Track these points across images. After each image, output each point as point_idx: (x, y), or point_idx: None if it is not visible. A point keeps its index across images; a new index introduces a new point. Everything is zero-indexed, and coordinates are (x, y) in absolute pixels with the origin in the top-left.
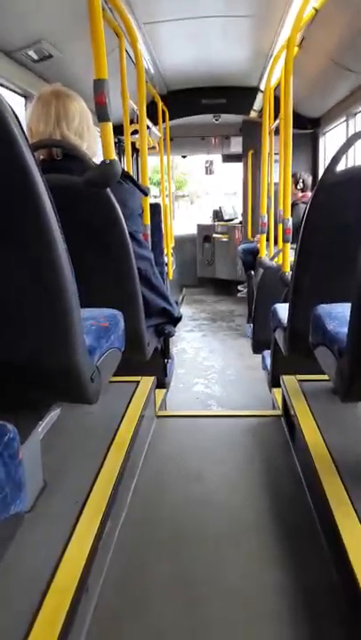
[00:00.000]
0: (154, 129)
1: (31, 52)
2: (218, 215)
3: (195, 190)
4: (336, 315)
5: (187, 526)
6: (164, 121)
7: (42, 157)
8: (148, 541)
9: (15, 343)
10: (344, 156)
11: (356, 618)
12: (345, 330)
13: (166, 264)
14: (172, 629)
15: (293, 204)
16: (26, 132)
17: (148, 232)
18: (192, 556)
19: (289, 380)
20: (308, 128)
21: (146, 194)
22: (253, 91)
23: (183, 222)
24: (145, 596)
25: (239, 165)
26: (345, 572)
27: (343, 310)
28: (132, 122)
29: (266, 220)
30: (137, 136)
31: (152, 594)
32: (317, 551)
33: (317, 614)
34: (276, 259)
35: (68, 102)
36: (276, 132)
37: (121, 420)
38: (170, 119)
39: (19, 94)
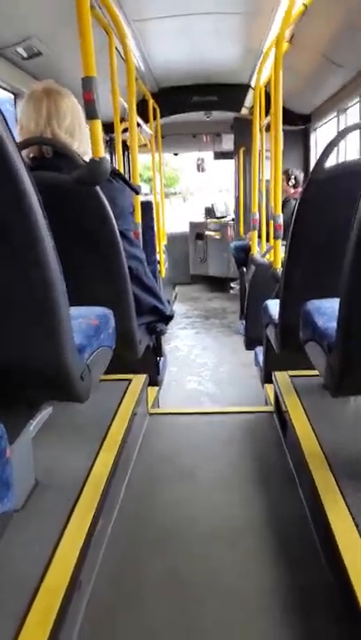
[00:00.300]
0: (145, 126)
1: (20, 50)
2: (210, 212)
3: (187, 187)
4: (325, 310)
5: (179, 523)
6: (155, 118)
7: (32, 155)
8: (140, 539)
9: (4, 342)
10: (335, 151)
11: (350, 614)
12: (334, 325)
13: (158, 262)
14: (165, 627)
15: (285, 201)
16: (17, 130)
17: (140, 230)
18: (185, 553)
19: (281, 376)
20: (299, 124)
21: (137, 192)
22: (244, 88)
23: (175, 221)
24: (138, 593)
25: (231, 162)
26: (337, 567)
27: (332, 306)
28: (122, 119)
29: (258, 216)
30: (128, 134)
31: (145, 591)
32: (309, 547)
33: (310, 611)
34: (267, 255)
35: (59, 100)
36: (268, 128)
37: (113, 418)
38: (161, 117)
39: (9, 92)
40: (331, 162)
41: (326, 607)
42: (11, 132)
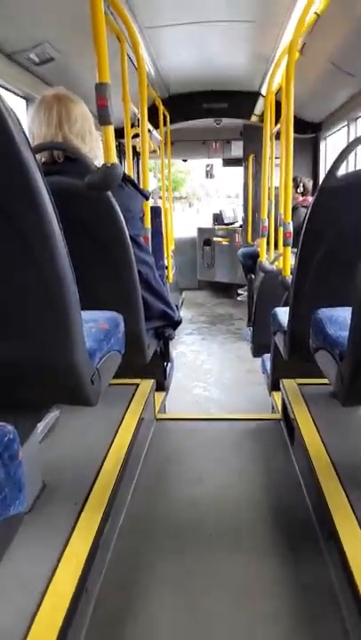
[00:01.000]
0: (155, 132)
1: (32, 55)
2: (218, 219)
3: (194, 191)
4: (337, 319)
5: (186, 528)
6: (165, 125)
7: (43, 160)
8: (147, 542)
9: (16, 345)
10: (345, 160)
11: (355, 618)
12: (346, 334)
13: (166, 267)
14: (171, 629)
15: (294, 208)
16: (27, 136)
17: (149, 235)
18: (191, 558)
19: (289, 384)
20: (308, 133)
21: (147, 197)
22: (255, 95)
23: (180, 229)
24: (144, 597)
25: (238, 169)
26: (344, 574)
27: (344, 314)
28: (133, 125)
29: (266, 223)
30: (138, 139)
31: (151, 595)
32: (316, 554)
33: (316, 616)
34: (276, 262)
35: (70, 105)
36: (277, 136)
37: (120, 423)
38: (171, 123)
39: (20, 97)
40: (341, 171)
41: (332, 611)
42: (25, 136)
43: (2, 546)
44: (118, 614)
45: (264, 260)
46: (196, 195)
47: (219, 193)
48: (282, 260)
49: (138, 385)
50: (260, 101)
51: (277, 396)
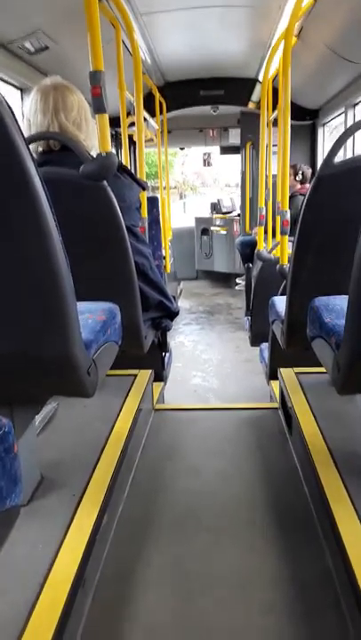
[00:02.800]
0: (151, 121)
1: (27, 44)
2: (216, 208)
3: (185, 180)
4: (333, 307)
5: (184, 519)
6: (161, 113)
7: (40, 149)
8: (145, 534)
9: (11, 336)
10: (343, 147)
11: (353, 608)
12: (342, 322)
13: (164, 257)
14: (169, 622)
15: (292, 196)
16: (24, 125)
17: (146, 225)
18: (190, 548)
19: (286, 373)
20: (306, 119)
21: (143, 187)
22: (252, 82)
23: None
24: (142, 588)
25: (238, 157)
26: (342, 562)
27: (340, 303)
28: (128, 114)
29: (264, 212)
30: (134, 128)
31: (150, 586)
32: (314, 543)
33: (314, 605)
34: (274, 251)
35: (66, 93)
36: (275, 123)
37: (118, 414)
38: (167, 111)
39: (15, 87)
40: (338, 157)
41: (330, 602)
42: (19, 127)
43: None
44: (116, 606)
45: (262, 248)
46: (188, 184)
47: (218, 182)
48: (280, 249)
49: (136, 376)
50: (258, 88)
51: (275, 385)
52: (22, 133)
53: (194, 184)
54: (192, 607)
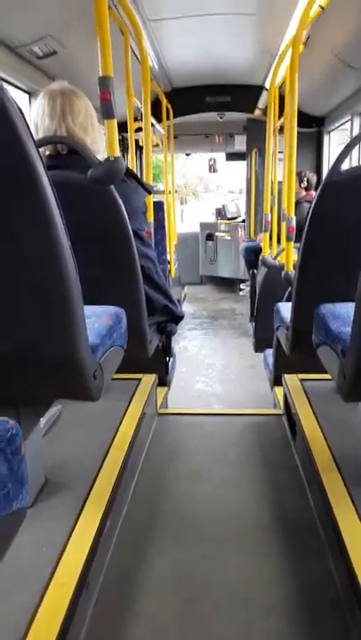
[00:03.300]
0: (158, 126)
1: (36, 48)
2: (221, 213)
3: (187, 184)
4: (340, 314)
5: (187, 523)
6: (167, 118)
7: (47, 153)
8: (148, 538)
9: (18, 339)
10: (349, 155)
11: (355, 613)
12: (348, 329)
13: (169, 262)
14: (171, 625)
15: (297, 203)
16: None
17: (152, 230)
18: (193, 552)
19: (291, 379)
20: (312, 127)
21: (149, 192)
22: (258, 89)
23: None
24: (145, 591)
25: (241, 164)
26: (344, 568)
27: (347, 310)
28: (135, 119)
29: (269, 218)
30: (141, 134)
31: (152, 589)
32: (317, 549)
33: (316, 610)
34: (279, 257)
35: (73, 98)
36: (281, 130)
37: (122, 418)
38: (174, 117)
39: (23, 90)
40: (344, 165)
41: (333, 608)
42: (29, 129)
43: (5, 540)
44: (119, 609)
45: (267, 254)
46: (189, 188)
47: (221, 188)
48: (285, 255)
49: (140, 380)
50: (264, 95)
51: (279, 392)
52: (32, 136)
53: (196, 189)
54: (194, 611)
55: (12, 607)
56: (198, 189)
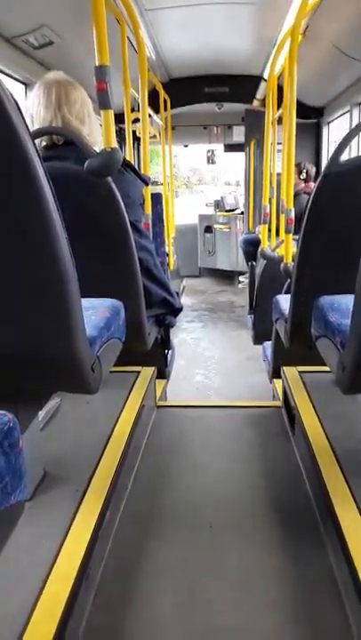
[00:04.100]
0: (155, 117)
1: (32, 39)
2: (219, 205)
3: (178, 174)
4: (339, 306)
5: (186, 515)
6: (165, 109)
7: (44, 144)
8: (147, 530)
9: (15, 332)
10: (348, 146)
11: (356, 607)
12: (347, 322)
13: (167, 254)
14: (171, 618)
15: (296, 195)
16: (27, 119)
17: (150, 222)
18: (192, 544)
19: (290, 371)
20: (311, 117)
21: (147, 183)
22: (257, 79)
23: None
24: (145, 583)
25: (239, 155)
26: (344, 561)
27: (346, 302)
28: (133, 110)
29: (268, 210)
30: (138, 124)
31: (152, 582)
32: (317, 542)
33: (316, 603)
34: (277, 249)
35: (69, 87)
36: (280, 121)
37: (121, 410)
38: (172, 107)
39: (19, 81)
40: (344, 156)
41: (332, 601)
42: (25, 121)
43: (3, 534)
44: (118, 601)
45: (266, 246)
46: (181, 179)
47: (217, 180)
48: (284, 247)
49: (139, 372)
50: (263, 85)
51: (278, 384)
52: (28, 128)
53: (189, 180)
54: (194, 604)
55: (10, 600)
56: (192, 180)
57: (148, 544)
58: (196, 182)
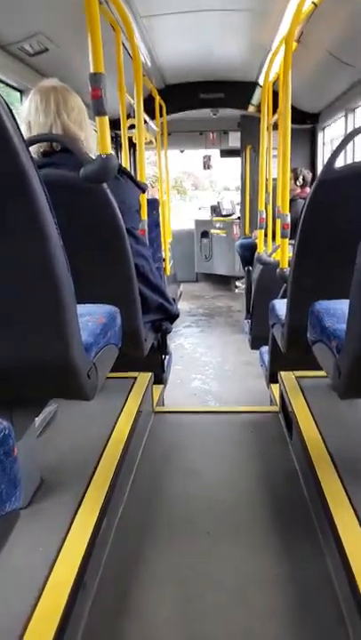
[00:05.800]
0: (151, 123)
1: (27, 46)
2: (216, 210)
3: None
4: (335, 311)
5: (184, 522)
6: (161, 115)
7: (42, 150)
8: (145, 537)
9: (10, 339)
10: (343, 152)
11: (353, 613)
12: (343, 326)
13: (164, 259)
14: (168, 624)
15: (292, 200)
16: (23, 127)
17: (146, 228)
18: (189, 551)
19: (287, 376)
20: (306, 123)
21: (143, 189)
22: (252, 85)
23: None
24: (142, 591)
25: (234, 159)
26: (342, 566)
27: (342, 307)
28: (128, 116)
29: (264, 215)
30: (134, 131)
31: (149, 589)
32: (314, 547)
33: (313, 608)
34: (274, 254)
35: (66, 93)
36: (275, 127)
37: (118, 416)
38: (167, 114)
39: (14, 88)
40: (338, 163)
41: (330, 606)
42: (19, 129)
43: None
44: (116, 609)
45: (262, 251)
46: (173, 184)
47: (214, 185)
48: (280, 252)
49: (136, 378)
50: (258, 91)
51: (275, 389)
52: (22, 135)
53: (182, 186)
54: (191, 611)
55: (8, 609)
56: (185, 186)
57: (146, 551)
58: (191, 187)
